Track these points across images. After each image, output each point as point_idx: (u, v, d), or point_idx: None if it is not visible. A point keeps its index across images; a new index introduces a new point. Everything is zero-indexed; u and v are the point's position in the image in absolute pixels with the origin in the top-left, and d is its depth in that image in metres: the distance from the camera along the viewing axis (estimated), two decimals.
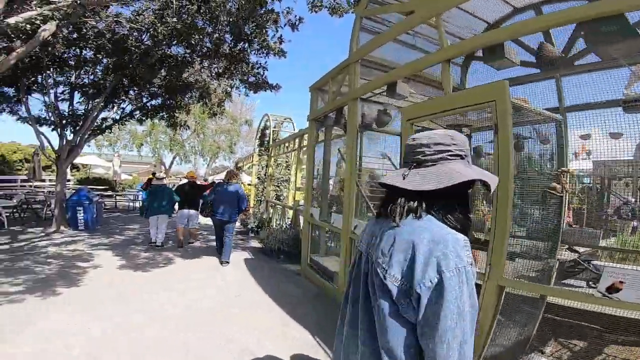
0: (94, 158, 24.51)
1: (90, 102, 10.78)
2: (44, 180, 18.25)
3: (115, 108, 12.64)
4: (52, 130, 10.46)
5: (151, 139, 28.32)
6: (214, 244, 8.39)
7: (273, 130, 11.96)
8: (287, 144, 9.81)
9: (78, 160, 24.29)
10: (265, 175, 13.22)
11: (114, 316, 4.16)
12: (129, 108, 13.00)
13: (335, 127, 5.87)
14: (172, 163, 30.76)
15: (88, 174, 23.07)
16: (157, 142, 28.22)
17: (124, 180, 25.91)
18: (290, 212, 9.13)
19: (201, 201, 7.87)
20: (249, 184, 22.38)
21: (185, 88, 11.26)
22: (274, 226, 10.09)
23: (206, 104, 12.54)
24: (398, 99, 4.37)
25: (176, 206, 8.16)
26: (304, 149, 8.13)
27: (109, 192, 16.54)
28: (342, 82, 5.22)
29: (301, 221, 7.86)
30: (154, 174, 17.09)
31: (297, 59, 70.51)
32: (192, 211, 8.06)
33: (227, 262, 6.79)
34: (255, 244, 9.14)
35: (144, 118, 13.06)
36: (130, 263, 6.56)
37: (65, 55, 9.03)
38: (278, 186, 11.38)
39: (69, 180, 20.83)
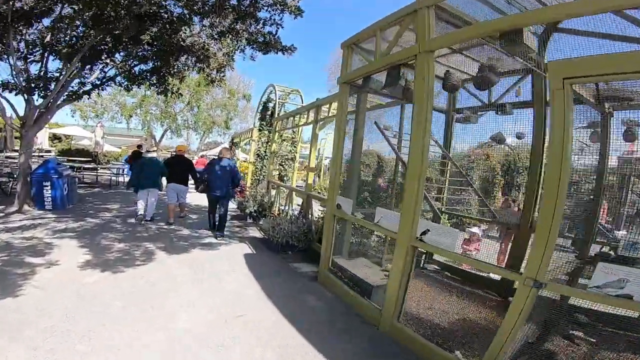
0: (78, 129, 22.66)
1: (65, 63, 9.06)
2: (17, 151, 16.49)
3: (98, 72, 10.95)
4: (17, 94, 8.78)
5: (141, 111, 26.40)
6: (203, 232, 7.04)
7: (279, 102, 10.35)
8: (295, 117, 8.28)
9: (60, 131, 22.51)
10: (265, 152, 11.72)
11: (51, 355, 2.73)
12: (113, 72, 11.32)
13: (386, 92, 4.39)
14: (162, 136, 28.95)
15: (70, 145, 21.29)
16: (148, 114, 26.31)
17: (110, 152, 24.24)
18: (298, 197, 7.71)
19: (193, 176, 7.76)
20: (245, 161, 20.89)
21: (180, 51, 9.57)
22: (277, 212, 8.65)
23: (203, 70, 10.87)
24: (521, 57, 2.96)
25: (164, 180, 7.85)
26: (321, 122, 6.62)
27: (90, 165, 14.85)
28: (400, 35, 3.70)
29: (314, 209, 6.44)
30: (139, 146, 15.62)
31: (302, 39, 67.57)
32: (182, 186, 7.78)
33: (222, 236, 6.85)
34: (255, 232, 7.71)
35: (130, 84, 11.38)
36: (98, 259, 5.10)
37: (37, 9, 7.35)
38: (282, 164, 9.89)
39: (49, 152, 19.14)
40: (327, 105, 6.48)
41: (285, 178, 9.85)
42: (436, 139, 5.40)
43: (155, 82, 11.08)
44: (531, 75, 4.63)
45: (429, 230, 3.01)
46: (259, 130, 11.97)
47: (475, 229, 6.22)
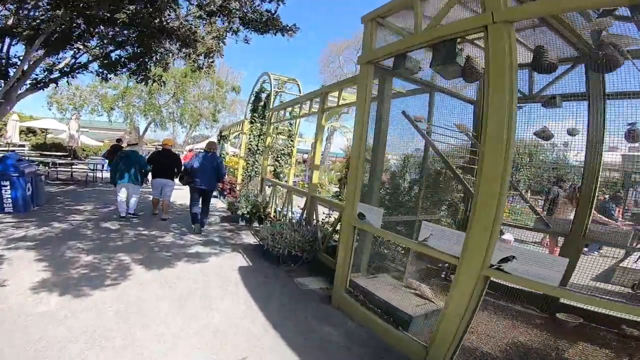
0: (53, 122, 21.15)
1: (27, 48, 7.93)
2: None
3: (69, 58, 9.80)
4: None
5: (123, 103, 24.95)
6: (189, 239, 6.07)
7: (275, 92, 9.34)
8: (295, 108, 7.30)
9: (34, 124, 20.98)
10: (257, 146, 10.75)
11: None
12: (87, 59, 10.16)
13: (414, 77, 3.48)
14: (146, 130, 27.55)
15: (45, 139, 19.86)
16: (130, 107, 24.88)
17: (90, 146, 22.87)
18: (295, 197, 6.79)
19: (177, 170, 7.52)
20: (235, 156, 19.80)
21: (162, 33, 8.49)
22: (273, 214, 7.72)
23: (189, 55, 9.79)
24: None
25: (149, 175, 7.58)
26: (327, 112, 5.68)
27: (64, 160, 13.63)
28: (453, 4, 2.81)
29: (319, 213, 5.54)
30: (119, 140, 14.46)
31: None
32: (168, 180, 7.50)
33: (204, 224, 6.92)
34: (249, 237, 6.76)
35: (106, 72, 10.23)
36: (58, 277, 4.10)
37: None
38: (277, 160, 8.94)
39: (22, 146, 17.75)
40: (336, 93, 5.57)
41: (281, 175, 8.93)
42: (469, 131, 4.54)
43: (134, 69, 9.97)
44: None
45: (514, 258, 2.14)
46: (251, 122, 10.96)
47: (507, 236, 5.39)
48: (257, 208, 7.65)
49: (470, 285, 2.46)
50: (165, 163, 7.46)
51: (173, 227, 6.95)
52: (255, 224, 7.80)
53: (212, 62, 9.47)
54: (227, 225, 7.51)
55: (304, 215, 5.91)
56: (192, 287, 4.21)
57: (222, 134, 15.96)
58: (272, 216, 7.65)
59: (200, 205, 6.86)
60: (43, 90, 8.98)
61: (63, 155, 15.95)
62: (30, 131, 21.40)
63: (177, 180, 7.55)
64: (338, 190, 13.41)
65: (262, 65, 54.99)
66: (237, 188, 11.51)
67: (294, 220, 6.27)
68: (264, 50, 64.01)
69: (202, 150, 7.72)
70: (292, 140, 8.97)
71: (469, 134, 4.43)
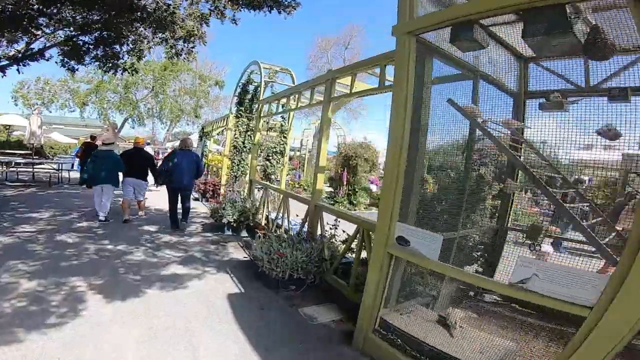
0: (18, 118, 19.45)
1: None
2: None
3: (24, 44, 8.55)
4: None
5: (97, 98, 23.27)
6: (165, 255, 4.99)
7: (266, 82, 8.28)
8: (290, 99, 6.26)
9: None
10: (244, 143, 9.69)
11: None
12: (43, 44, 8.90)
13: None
14: (122, 126, 25.92)
15: (8, 137, 18.16)
16: (104, 102, 23.22)
17: (58, 143, 21.23)
18: (294, 204, 5.77)
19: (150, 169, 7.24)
20: (218, 153, 18.57)
21: (132, 11, 7.35)
22: (265, 221, 6.70)
23: (167, 40, 8.64)
24: None
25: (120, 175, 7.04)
26: (335, 102, 4.67)
27: (26, 160, 12.21)
28: None
29: (324, 222, 4.57)
30: (92, 137, 13.09)
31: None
32: (140, 180, 7.12)
33: (185, 226, 6.71)
34: (237, 251, 5.71)
35: (68, 60, 8.98)
36: None
37: None
38: (268, 159, 7.91)
39: None
40: (345, 80, 4.60)
41: (272, 176, 7.91)
42: (517, 124, 3.64)
43: (101, 56, 8.74)
44: None
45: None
46: (237, 117, 9.86)
47: (547, 246, 4.53)
48: (245, 215, 6.61)
49: (606, 347, 1.55)
50: (137, 162, 7.05)
51: (145, 240, 5.83)
52: (244, 233, 6.76)
53: (193, 47, 8.35)
54: (210, 236, 6.43)
55: (306, 227, 4.91)
56: (168, 326, 3.17)
57: (205, 130, 14.76)
58: (263, 224, 6.63)
59: (179, 206, 6.67)
60: None
61: (27, 154, 14.44)
62: None
63: (151, 181, 7.30)
64: (332, 190, 12.54)
65: (247, 61, 53.37)
66: (221, 190, 10.42)
67: (291, 232, 5.28)
68: (247, 47, 62.39)
69: (176, 149, 7.20)
70: (284, 137, 7.96)
71: (518, 133, 3.53)
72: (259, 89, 9.79)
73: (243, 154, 9.84)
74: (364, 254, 3.88)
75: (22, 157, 13.28)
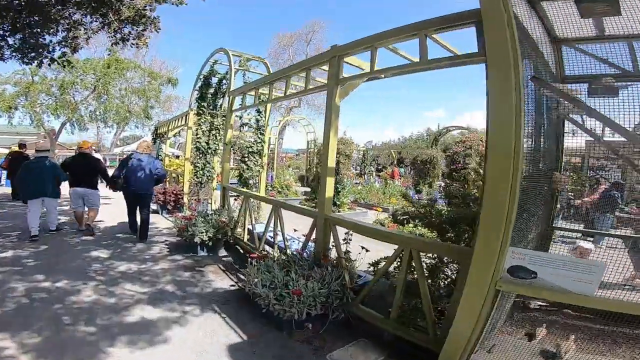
0: None
1: None
2: None
3: None
4: None
5: (27, 101, 20.37)
6: (126, 290, 3.74)
7: (237, 69, 7.05)
8: (273, 86, 5.11)
9: None
10: (208, 144, 8.51)
11: None
12: None
13: None
14: (59, 132, 23.09)
15: None
16: (37, 105, 20.37)
17: None
18: (290, 217, 4.67)
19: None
20: (177, 157, 16.86)
21: None
22: (247, 236, 5.58)
23: (109, 24, 7.15)
24: None
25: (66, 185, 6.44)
26: (343, 85, 3.65)
27: None
28: None
29: (338, 236, 3.61)
30: (21, 145, 11.16)
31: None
32: (89, 189, 6.44)
33: (146, 235, 6.14)
34: (219, 277, 4.54)
35: None
36: None
37: None
38: (244, 161, 6.74)
39: None
40: (353, 59, 3.62)
41: (250, 181, 6.75)
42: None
43: (19, 45, 7.06)
44: None
45: None
46: (198, 114, 8.60)
47: (587, 244, 3.89)
48: (222, 232, 5.44)
49: None
50: (83, 170, 6.36)
51: (95, 270, 4.48)
52: (222, 252, 5.62)
53: (144, 29, 6.97)
54: (180, 259, 5.17)
55: (313, 247, 3.87)
56: None
57: (158, 132, 13.13)
58: (245, 240, 5.51)
59: (138, 212, 6.22)
60: None
61: None
62: None
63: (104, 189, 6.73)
64: (309, 189, 11.51)
65: (202, 61, 51.05)
66: (185, 200, 9.07)
67: (289, 251, 4.23)
68: (203, 45, 59.68)
69: (134, 152, 6.47)
70: (262, 134, 6.83)
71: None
72: (224, 81, 8.59)
73: (208, 156, 8.62)
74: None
75: None
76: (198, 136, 8.51)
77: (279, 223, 4.56)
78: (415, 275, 2.87)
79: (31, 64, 7.41)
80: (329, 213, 3.67)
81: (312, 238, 3.96)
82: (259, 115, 6.81)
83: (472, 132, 15.79)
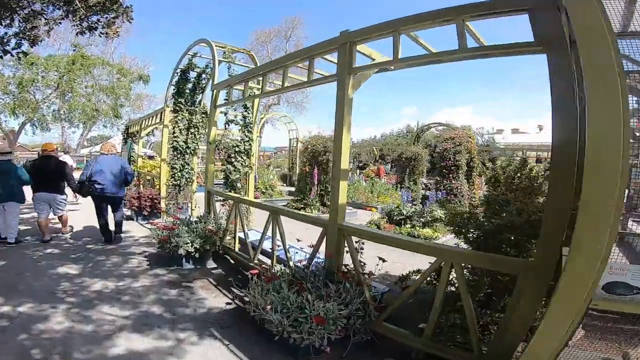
0: None
1: None
2: None
3: None
4: None
5: None
6: (104, 315, 3.17)
7: (220, 60, 6.48)
8: (265, 78, 4.57)
9: None
10: (186, 143, 7.93)
11: None
12: None
13: None
14: (19, 133, 21.49)
15: None
16: None
17: None
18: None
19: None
20: (152, 158, 15.92)
21: None
22: (238, 246, 5.08)
23: (75, 12, 6.39)
24: None
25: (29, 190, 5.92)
26: (359, 74, 3.19)
27: None
28: None
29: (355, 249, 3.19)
30: None
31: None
32: (54, 194, 6.03)
33: (120, 238, 6.13)
34: (211, 295, 4.02)
35: None
36: None
37: None
38: (230, 161, 6.19)
39: None
40: (365, 49, 3.19)
41: (236, 184, 6.21)
42: None
43: None
44: None
45: None
46: (174, 111, 7.96)
47: None
48: (211, 242, 4.90)
49: None
50: (47, 173, 5.93)
51: (65, 290, 3.86)
52: (211, 263, 5.08)
53: (115, 17, 6.29)
54: (163, 274, 4.58)
55: (322, 259, 3.43)
56: None
57: (130, 131, 12.25)
58: (236, 250, 5.00)
59: (108, 216, 6.02)
60: None
61: None
62: None
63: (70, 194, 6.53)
64: (293, 189, 10.96)
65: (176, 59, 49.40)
66: (162, 205, 8.40)
67: (291, 263, 3.78)
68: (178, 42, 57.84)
69: (99, 153, 6.28)
70: (249, 132, 6.29)
71: None
72: (203, 75, 8.00)
73: (187, 156, 8.03)
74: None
75: None
76: (175, 135, 7.88)
77: (278, 231, 4.07)
78: (450, 289, 2.51)
79: None
80: (342, 222, 3.23)
81: (318, 249, 3.52)
82: (246, 111, 6.28)
83: (452, 128, 15.78)
